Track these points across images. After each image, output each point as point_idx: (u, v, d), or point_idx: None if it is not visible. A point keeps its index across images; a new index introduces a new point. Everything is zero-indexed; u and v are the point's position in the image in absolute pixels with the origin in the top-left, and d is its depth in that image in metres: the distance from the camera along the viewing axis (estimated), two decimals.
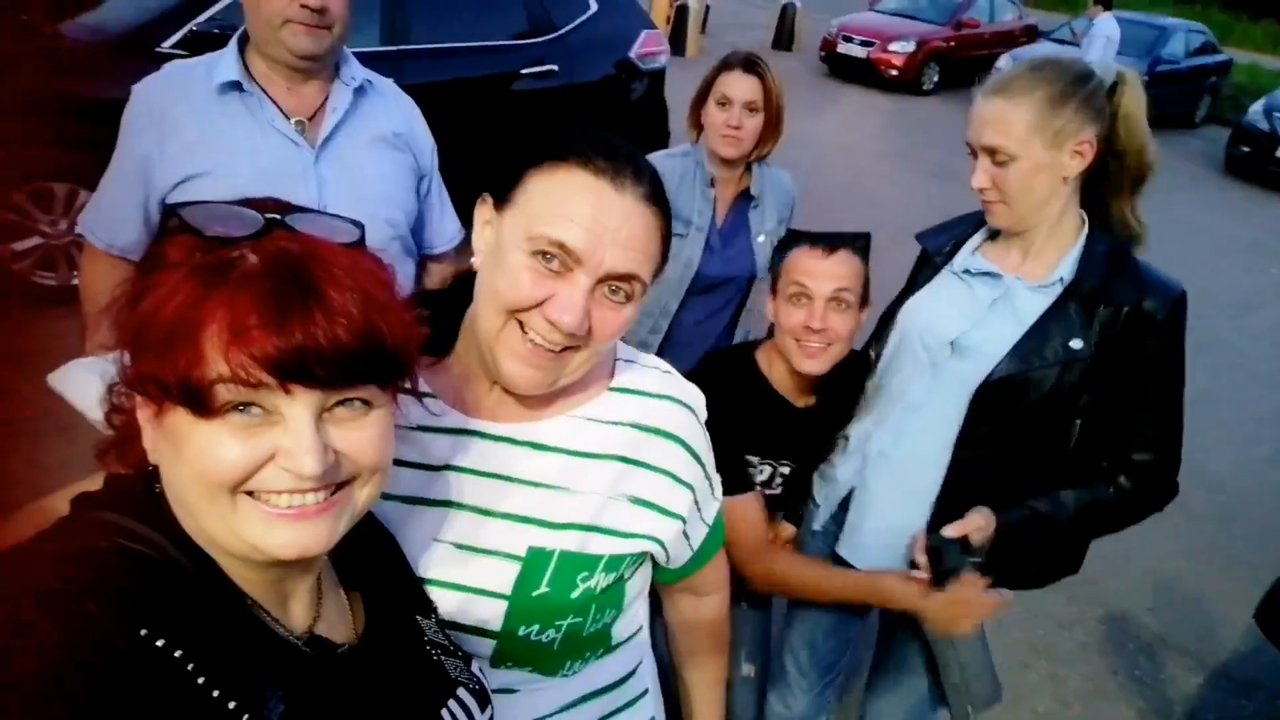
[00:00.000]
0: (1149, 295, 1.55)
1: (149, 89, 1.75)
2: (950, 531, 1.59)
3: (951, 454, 1.67)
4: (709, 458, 1.17)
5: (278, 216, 0.72)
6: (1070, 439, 1.63)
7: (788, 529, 2.02)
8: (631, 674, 1.17)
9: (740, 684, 2.09)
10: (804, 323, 1.71)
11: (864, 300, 1.77)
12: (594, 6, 5.82)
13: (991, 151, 1.55)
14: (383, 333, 0.71)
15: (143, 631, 0.64)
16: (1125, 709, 3.10)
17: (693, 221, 2.42)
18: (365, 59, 1.93)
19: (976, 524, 1.59)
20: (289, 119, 1.75)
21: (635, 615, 1.17)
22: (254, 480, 0.68)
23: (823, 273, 1.70)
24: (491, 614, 0.99)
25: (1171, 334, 1.57)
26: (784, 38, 15.86)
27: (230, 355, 0.64)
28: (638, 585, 1.15)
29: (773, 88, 2.37)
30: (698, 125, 2.47)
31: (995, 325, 1.63)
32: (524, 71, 5.47)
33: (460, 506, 1.00)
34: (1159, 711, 3.11)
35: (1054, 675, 3.18)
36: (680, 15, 13.76)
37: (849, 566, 1.83)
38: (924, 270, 1.81)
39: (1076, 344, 1.56)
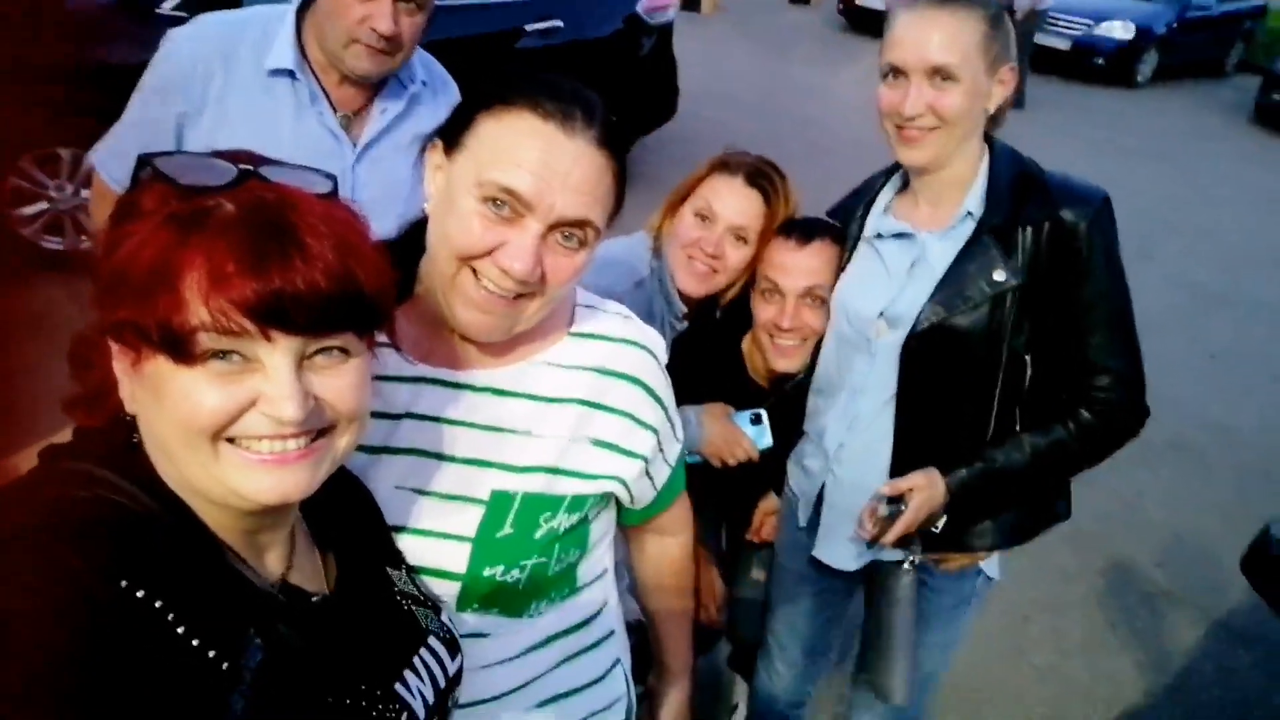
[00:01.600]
0: (1066, 206, 1.45)
1: (194, 47, 1.66)
2: (885, 489, 1.56)
3: (894, 424, 1.60)
4: (670, 399, 1.17)
5: (250, 167, 0.73)
6: (1024, 379, 1.54)
7: (772, 500, 2.02)
8: (597, 615, 1.19)
9: (748, 587, 2.08)
10: (775, 320, 1.66)
11: None
12: None
13: (935, 70, 1.42)
14: (359, 279, 0.71)
15: (123, 583, 0.64)
16: (1125, 661, 3.10)
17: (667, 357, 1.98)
18: None
19: (915, 481, 1.55)
20: (335, 111, 1.70)
21: (600, 557, 1.19)
22: (235, 427, 0.69)
23: (795, 267, 1.64)
24: (456, 557, 1.00)
25: (1102, 243, 1.46)
26: None
27: (210, 301, 0.65)
28: (602, 526, 1.16)
29: (776, 217, 1.71)
30: (666, 221, 1.78)
31: (917, 287, 1.55)
32: (529, 28, 5.40)
33: (422, 453, 1.01)
34: (1158, 664, 3.11)
35: (1055, 628, 3.18)
36: None
37: (827, 571, 1.79)
38: (842, 247, 1.70)
39: (1000, 275, 1.47)
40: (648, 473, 1.15)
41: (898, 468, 1.61)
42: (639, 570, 1.36)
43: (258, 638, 0.73)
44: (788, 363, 1.70)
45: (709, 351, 1.82)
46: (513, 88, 0.93)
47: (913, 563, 1.62)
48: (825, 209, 1.81)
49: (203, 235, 0.66)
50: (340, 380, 0.74)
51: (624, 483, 1.11)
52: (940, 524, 1.59)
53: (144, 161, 0.70)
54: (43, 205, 4.21)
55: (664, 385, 1.15)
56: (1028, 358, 1.53)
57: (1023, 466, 1.55)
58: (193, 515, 0.74)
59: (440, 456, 1.02)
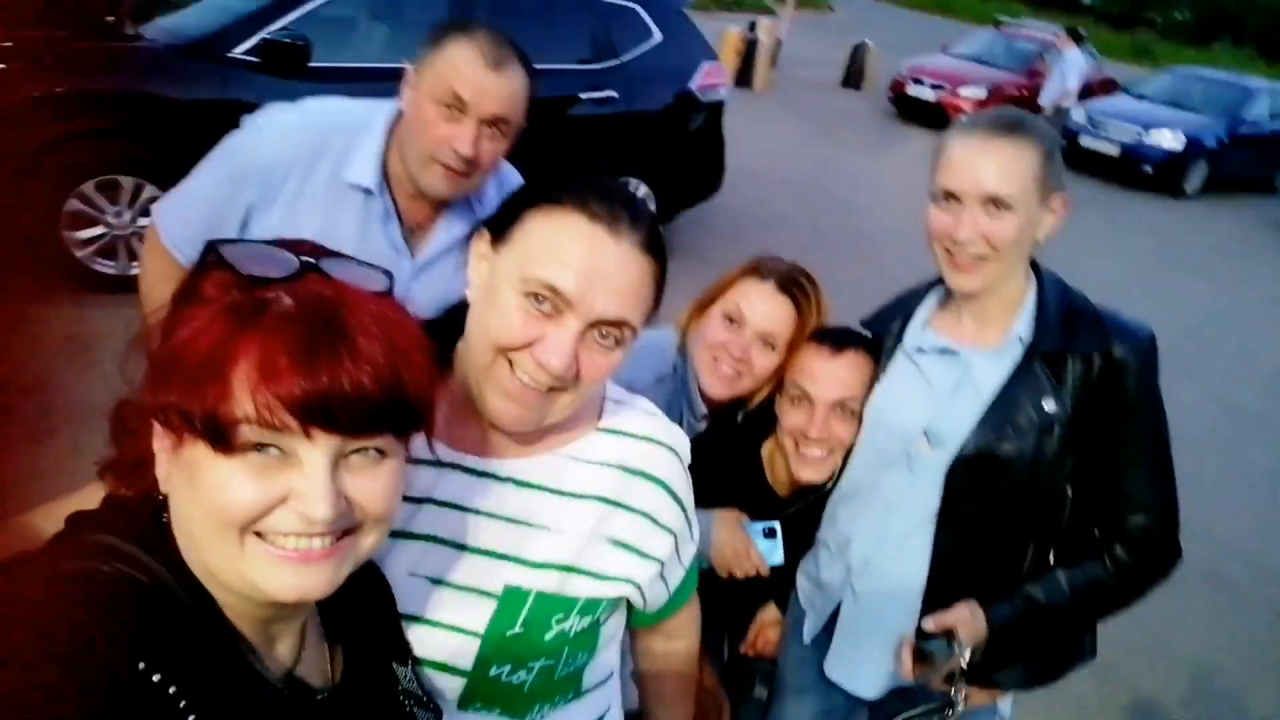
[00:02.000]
0: (1117, 342, 1.43)
1: (279, 147, 1.65)
2: (930, 625, 1.49)
3: (932, 547, 1.56)
4: (690, 501, 1.15)
5: (312, 260, 0.74)
6: (1064, 511, 1.51)
7: (772, 612, 1.94)
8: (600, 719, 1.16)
9: (750, 708, 1.97)
10: (802, 428, 1.62)
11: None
12: (657, 35, 5.86)
13: (991, 200, 1.41)
14: (406, 382, 0.72)
15: (141, 664, 0.65)
16: None
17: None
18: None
19: (960, 616, 1.49)
20: (402, 225, 1.71)
21: (607, 659, 1.16)
22: (264, 522, 0.69)
23: (827, 376, 1.60)
24: (463, 652, 0.98)
25: (1147, 382, 1.45)
26: (853, 76, 15.80)
27: (257, 394, 0.65)
28: (612, 629, 1.13)
29: (806, 326, 1.67)
30: (694, 321, 1.74)
31: (962, 406, 1.51)
32: (583, 96, 5.52)
33: (439, 541, 1.00)
34: None
35: None
36: (750, 49, 13.82)
37: (837, 689, 1.71)
38: (877, 358, 1.66)
39: (1050, 405, 1.44)
40: (662, 576, 1.12)
41: (932, 593, 1.56)
42: (642, 671, 1.32)
43: None
44: (812, 473, 1.65)
45: (729, 454, 1.77)
46: (564, 188, 0.95)
47: (953, 704, 1.51)
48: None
49: (259, 328, 0.67)
50: (374, 482, 0.74)
51: (638, 586, 1.08)
52: (968, 657, 1.52)
53: (211, 247, 0.72)
54: (100, 230, 4.32)
55: (686, 487, 1.14)
56: (1069, 490, 1.50)
57: (1063, 605, 1.51)
58: (210, 599, 0.74)
59: (457, 545, 1.01)
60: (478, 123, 1.55)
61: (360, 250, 1.62)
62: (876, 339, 1.67)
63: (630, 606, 1.16)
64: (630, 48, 5.76)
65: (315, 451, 0.69)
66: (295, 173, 1.64)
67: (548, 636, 1.00)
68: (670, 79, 5.96)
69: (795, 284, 1.67)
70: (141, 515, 0.75)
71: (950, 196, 1.45)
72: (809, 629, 1.76)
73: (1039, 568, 1.54)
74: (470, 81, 1.53)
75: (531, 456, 1.03)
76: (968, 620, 1.49)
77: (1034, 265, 1.57)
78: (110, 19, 4.90)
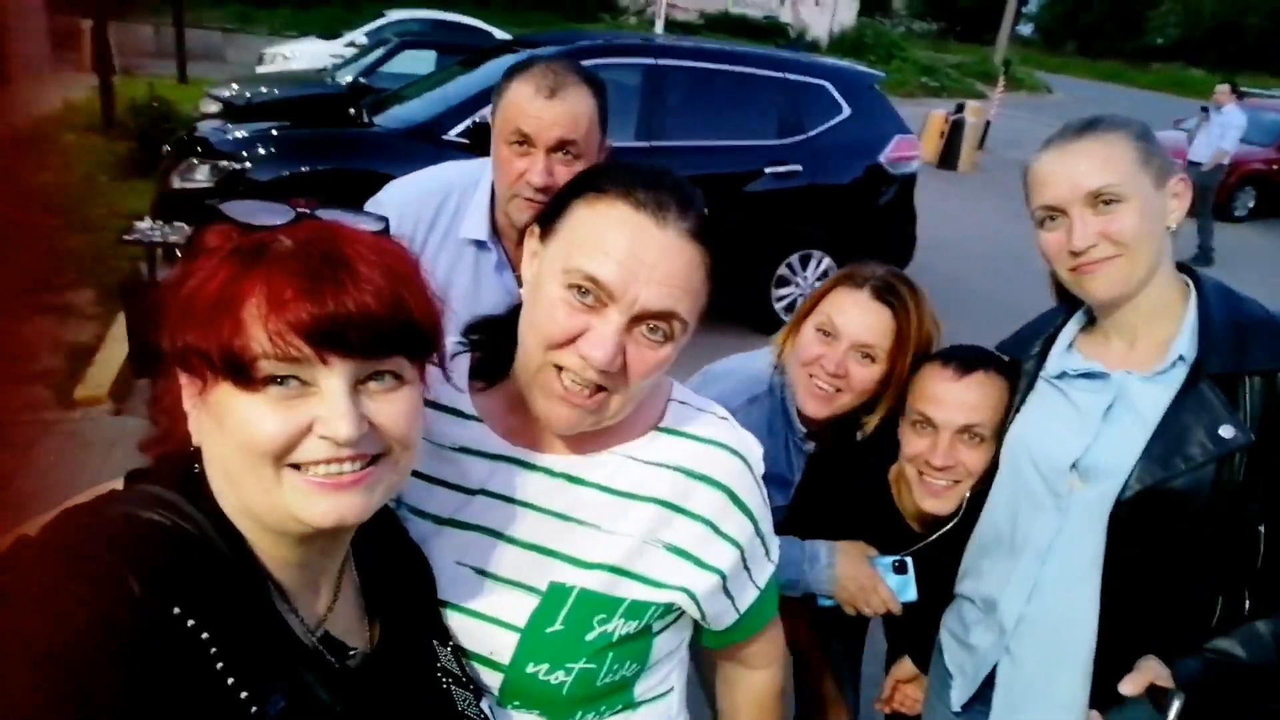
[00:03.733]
0: None
1: (398, 214, 1.72)
2: (1128, 688, 1.29)
3: (1100, 599, 1.37)
4: (763, 514, 1.08)
5: (307, 210, 0.78)
6: (1257, 550, 1.30)
7: (907, 667, 1.78)
8: None
9: None
10: (925, 455, 1.50)
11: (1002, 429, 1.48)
12: (846, 110, 5.88)
13: (1096, 196, 1.29)
14: (409, 304, 0.75)
15: (176, 609, 0.67)
16: None
17: (792, 480, 1.72)
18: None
19: (1156, 671, 1.29)
20: (514, 271, 1.75)
21: (666, 676, 1.09)
22: (296, 453, 0.72)
23: (952, 401, 1.47)
24: (502, 645, 0.96)
25: None
26: None
27: (269, 324, 0.68)
28: (669, 643, 1.07)
29: (910, 332, 1.55)
30: (790, 338, 1.66)
31: (1118, 435, 1.34)
32: (767, 170, 5.61)
33: (488, 532, 0.99)
34: None
35: None
36: (955, 129, 13.50)
37: None
38: (1015, 385, 1.51)
39: (1228, 431, 1.26)
40: (726, 590, 1.05)
41: (1105, 651, 1.37)
42: (719, 701, 1.24)
43: (284, 686, 0.74)
44: (936, 503, 1.52)
45: (849, 478, 1.66)
46: (609, 176, 0.93)
47: None
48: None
49: (262, 265, 0.70)
50: (393, 406, 0.76)
51: (693, 596, 1.01)
52: (1178, 708, 1.31)
53: (210, 209, 0.76)
54: None
55: (756, 497, 1.06)
56: (1261, 529, 1.29)
57: (1268, 660, 1.29)
58: (247, 546, 0.77)
59: (506, 538, 0.99)
60: (545, 152, 1.59)
61: (477, 298, 1.74)
62: (1013, 362, 1.53)
63: (698, 626, 1.10)
64: (819, 123, 5.82)
65: (332, 377, 0.71)
66: (417, 235, 1.75)
67: (589, 637, 0.96)
68: (859, 153, 5.94)
69: (892, 290, 1.56)
70: (183, 465, 0.78)
71: (1053, 212, 1.33)
72: (958, 694, 1.58)
73: (1231, 621, 1.33)
74: (530, 115, 1.58)
75: (588, 455, 1.00)
76: (1166, 677, 1.28)
77: (1191, 273, 1.40)
78: (352, 112, 5.66)
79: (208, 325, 0.69)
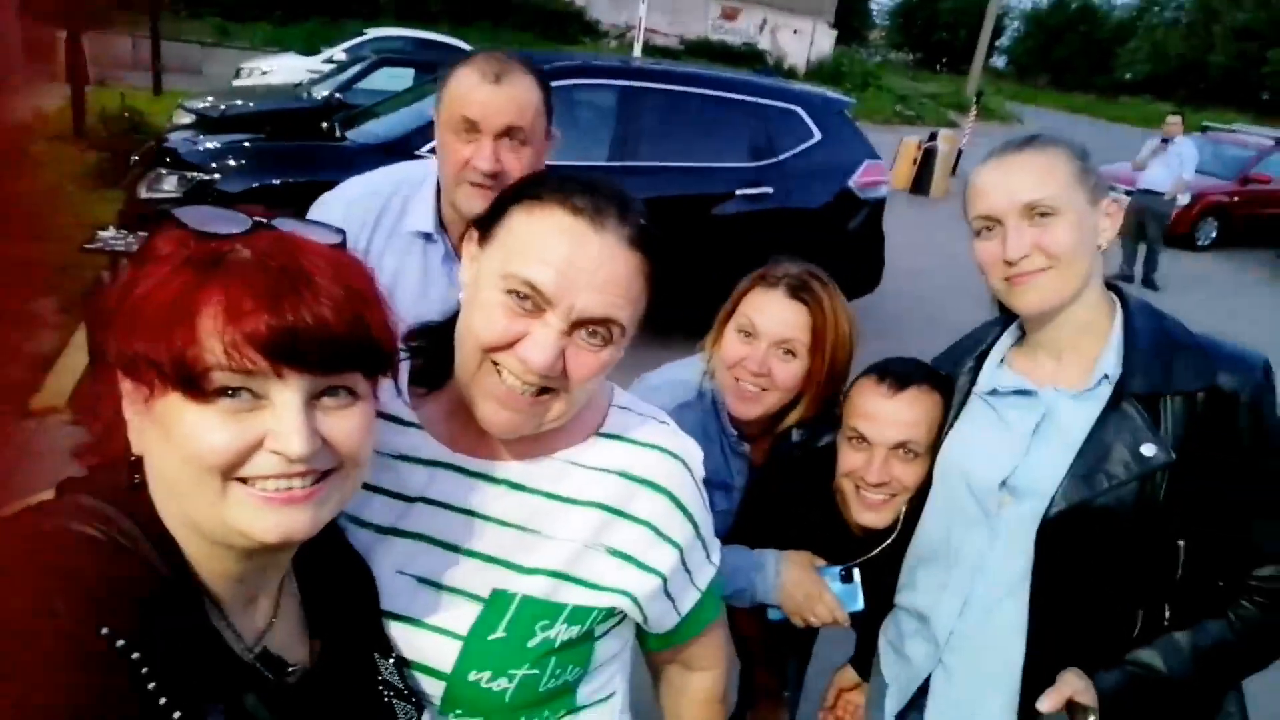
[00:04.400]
0: (1223, 372, 1.27)
1: (345, 212, 1.76)
2: (1046, 705, 1.31)
3: (1028, 616, 1.37)
4: (703, 517, 1.08)
5: (263, 219, 0.77)
6: (1177, 564, 1.32)
7: (849, 675, 1.79)
8: None
9: None
10: (861, 472, 1.51)
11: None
12: (817, 135, 5.96)
13: (1031, 208, 1.31)
14: (367, 320, 0.74)
15: (104, 629, 0.65)
16: None
17: (734, 484, 1.73)
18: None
19: (1074, 685, 1.31)
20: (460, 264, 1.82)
21: (609, 680, 1.09)
22: (245, 467, 0.71)
23: (886, 418, 1.49)
24: (444, 654, 0.95)
25: (1265, 416, 1.28)
26: None
27: (225, 335, 0.67)
28: (611, 647, 1.07)
29: (827, 326, 1.59)
30: (715, 345, 1.69)
31: (1046, 453, 1.36)
32: (738, 192, 5.66)
33: (430, 540, 0.99)
34: None
35: None
36: (928, 156, 13.71)
37: None
38: (949, 400, 1.52)
39: (1149, 449, 1.28)
40: (667, 592, 1.05)
41: (1032, 666, 1.38)
42: (663, 704, 1.24)
43: (220, 705, 0.72)
44: (873, 517, 1.53)
45: (795, 487, 1.67)
46: (546, 184, 0.93)
47: None
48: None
49: (219, 275, 0.69)
50: (347, 422, 0.75)
51: (634, 600, 1.02)
52: None
53: (164, 215, 0.74)
54: None
55: (697, 500, 1.07)
56: (1180, 544, 1.31)
57: (1185, 671, 1.31)
58: (184, 562, 0.75)
59: (446, 546, 0.98)
60: (492, 138, 1.59)
61: (425, 294, 1.74)
62: (947, 377, 1.55)
63: (640, 629, 1.10)
64: (789, 147, 5.89)
65: (287, 391, 0.70)
66: (361, 235, 1.75)
67: (531, 643, 0.96)
68: (830, 176, 6.01)
69: (805, 287, 1.59)
70: (119, 475, 0.76)
71: (990, 221, 1.36)
72: (892, 704, 1.60)
73: (1151, 633, 1.35)
74: (475, 102, 1.58)
75: (529, 460, 1.00)
76: (1084, 690, 1.31)
77: (1118, 292, 1.43)
78: (325, 126, 5.66)
79: (160, 333, 0.68)
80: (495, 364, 0.91)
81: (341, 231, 0.81)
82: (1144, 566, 1.34)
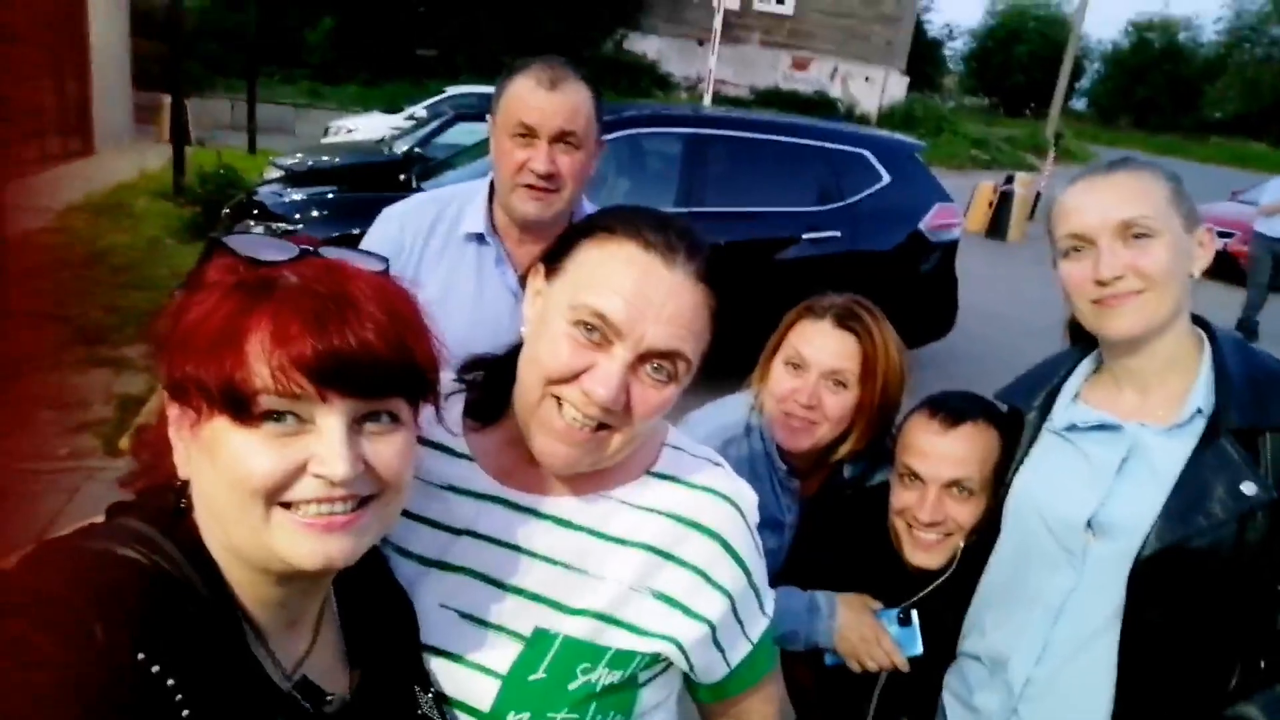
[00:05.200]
0: None
1: (403, 222, 1.86)
2: None
3: (1118, 663, 1.31)
4: (757, 564, 1.05)
5: (310, 248, 0.79)
6: (1276, 611, 1.25)
7: None
8: None
9: None
10: (913, 510, 1.47)
11: (997, 480, 1.45)
12: (886, 178, 5.91)
13: (1127, 228, 1.26)
14: (411, 346, 0.76)
15: (140, 655, 0.66)
16: None
17: (784, 521, 1.69)
18: None
19: None
20: (516, 271, 1.81)
21: None
22: (288, 492, 0.72)
23: (939, 454, 1.45)
24: (483, 693, 0.94)
25: None
26: None
27: (273, 359, 0.69)
28: (656, 695, 1.04)
29: (877, 355, 1.56)
30: (762, 379, 1.68)
31: (1134, 490, 1.30)
32: (805, 236, 5.64)
33: (475, 575, 0.98)
34: None
35: None
36: (1004, 199, 13.44)
37: None
38: (1019, 436, 1.46)
39: (1249, 488, 1.22)
40: (716, 642, 1.02)
41: (1120, 717, 1.31)
42: None
43: None
44: (926, 557, 1.48)
45: (848, 525, 1.62)
46: (618, 217, 0.94)
47: None
48: None
49: (269, 301, 0.71)
50: (389, 448, 0.76)
51: (680, 647, 0.99)
52: None
53: (214, 241, 0.79)
54: None
55: (750, 547, 1.04)
56: None
57: None
58: (226, 587, 0.76)
59: (491, 581, 0.98)
60: (548, 142, 1.66)
61: (480, 296, 1.78)
62: (1013, 412, 1.49)
63: (688, 679, 1.07)
64: (858, 190, 5.85)
65: (331, 415, 0.71)
66: (417, 243, 1.82)
67: (571, 686, 0.94)
68: (899, 219, 5.95)
69: (853, 315, 1.57)
70: (165, 500, 0.77)
71: (1080, 241, 1.30)
72: None
73: (1248, 685, 1.26)
74: (533, 108, 1.65)
75: (579, 497, 1.00)
76: None
77: (1206, 326, 1.36)
78: (402, 178, 5.88)
79: (209, 357, 0.69)
80: (557, 397, 0.91)
81: (385, 260, 0.83)
82: (1242, 613, 1.26)
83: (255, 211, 5.21)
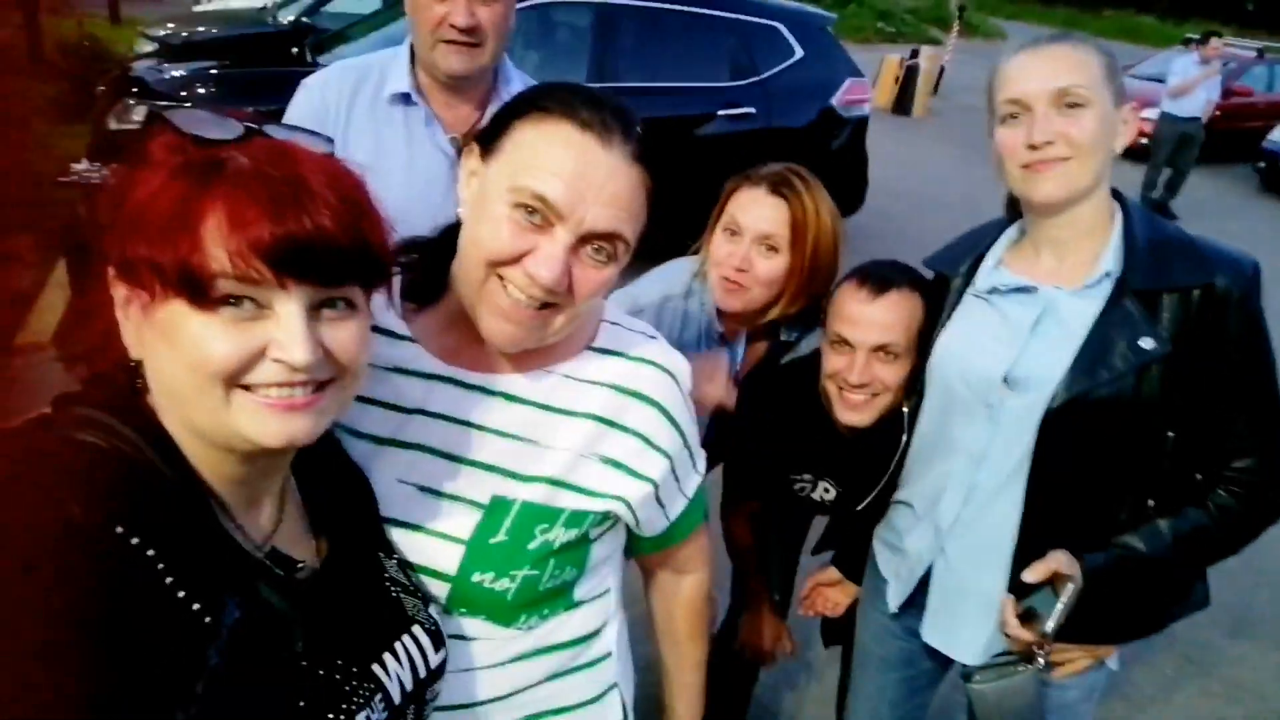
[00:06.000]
0: (1218, 272, 1.33)
1: (323, 91, 1.82)
2: (1032, 576, 1.40)
3: (1024, 500, 1.46)
4: (690, 428, 1.12)
5: (255, 125, 0.76)
6: (1163, 457, 1.40)
7: (831, 573, 1.89)
8: (595, 634, 1.15)
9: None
10: (843, 373, 1.56)
11: (923, 342, 1.56)
12: (799, 53, 5.87)
13: (1062, 95, 1.33)
14: (367, 232, 0.75)
15: (118, 529, 0.67)
16: None
17: None
18: None
19: (1059, 560, 1.39)
20: (446, 133, 1.79)
21: (602, 578, 1.15)
22: (248, 375, 0.72)
23: (867, 320, 1.53)
24: (448, 557, 0.99)
25: (1253, 313, 1.35)
26: None
27: (230, 244, 0.67)
28: (605, 549, 1.12)
29: (806, 220, 1.64)
30: (706, 247, 1.76)
31: (1046, 347, 1.42)
32: (720, 113, 5.59)
33: (429, 450, 1.02)
34: None
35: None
36: (910, 74, 13.52)
37: (939, 656, 1.66)
38: (944, 300, 1.57)
39: (1147, 343, 1.34)
40: (658, 499, 1.10)
41: (1024, 547, 1.47)
42: (653, 609, 1.30)
43: (237, 596, 0.75)
44: (856, 416, 1.59)
45: (783, 390, 1.73)
46: (552, 96, 0.93)
47: (1046, 661, 1.44)
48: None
49: (221, 183, 0.69)
50: (345, 333, 0.77)
51: (628, 504, 1.07)
52: (1070, 596, 1.40)
53: (154, 114, 0.73)
54: None
55: (684, 412, 1.11)
56: (1169, 434, 1.39)
57: (1164, 554, 1.41)
58: (188, 465, 0.76)
59: (446, 456, 1.02)
60: None
61: (412, 159, 1.73)
62: (939, 277, 1.60)
63: (631, 532, 1.15)
64: (770, 65, 5.80)
65: (290, 301, 0.71)
66: (341, 108, 1.78)
67: (531, 545, 1.00)
68: (812, 95, 5.95)
69: (786, 183, 1.65)
70: (117, 384, 0.76)
71: (1018, 107, 1.37)
72: (894, 598, 1.68)
73: (1137, 517, 1.44)
74: None
75: (525, 373, 1.03)
76: (1068, 564, 1.40)
77: (1118, 195, 1.46)
78: (295, 51, 5.50)
79: (163, 239, 0.68)
80: (500, 278, 0.92)
81: (330, 140, 0.81)
82: (1136, 455, 1.40)
83: (134, 89, 4.80)
